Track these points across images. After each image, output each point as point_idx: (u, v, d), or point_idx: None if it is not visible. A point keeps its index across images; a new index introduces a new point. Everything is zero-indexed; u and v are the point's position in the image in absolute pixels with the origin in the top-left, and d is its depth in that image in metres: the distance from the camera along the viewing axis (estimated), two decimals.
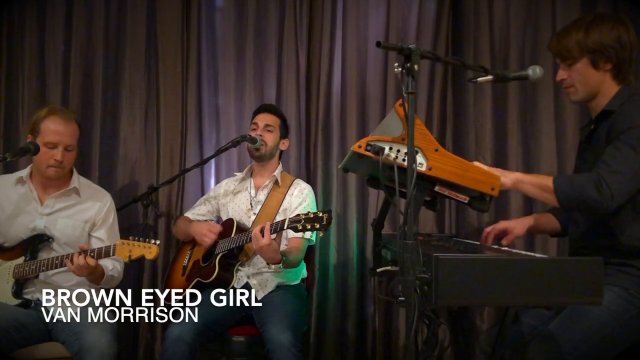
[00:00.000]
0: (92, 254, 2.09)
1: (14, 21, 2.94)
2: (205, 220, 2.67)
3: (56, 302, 2.20)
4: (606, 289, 1.46)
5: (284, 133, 2.65)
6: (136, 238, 2.09)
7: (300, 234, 2.27)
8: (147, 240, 2.08)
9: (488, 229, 2.07)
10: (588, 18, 1.80)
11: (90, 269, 2.08)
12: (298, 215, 2.12)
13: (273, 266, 2.29)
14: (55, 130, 2.19)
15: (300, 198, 2.54)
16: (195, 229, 2.53)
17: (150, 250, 2.07)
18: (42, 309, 2.19)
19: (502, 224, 2.06)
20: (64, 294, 2.24)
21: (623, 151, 1.65)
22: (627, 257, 1.73)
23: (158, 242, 2.09)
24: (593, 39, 1.74)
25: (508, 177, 1.71)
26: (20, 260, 2.23)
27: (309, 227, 2.08)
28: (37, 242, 2.24)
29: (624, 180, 1.63)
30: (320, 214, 2.08)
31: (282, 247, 2.48)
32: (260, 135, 2.54)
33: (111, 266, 2.28)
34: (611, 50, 1.73)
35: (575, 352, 1.65)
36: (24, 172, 2.32)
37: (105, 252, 2.09)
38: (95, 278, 2.19)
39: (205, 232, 2.46)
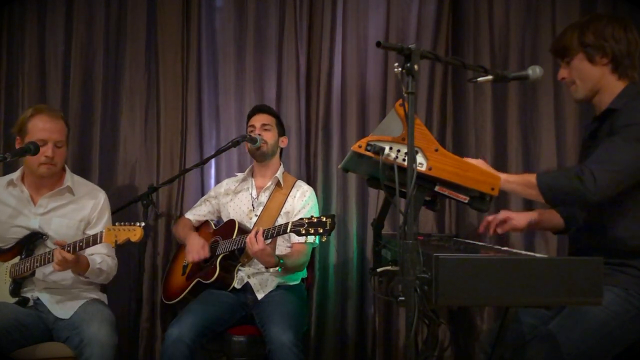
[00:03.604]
0: (81, 244, 2.09)
1: (14, 21, 2.95)
2: (206, 221, 2.67)
3: (56, 301, 2.21)
4: (606, 290, 1.46)
5: (282, 131, 2.66)
6: (122, 223, 2.09)
7: (303, 238, 2.27)
8: (132, 223, 2.08)
9: (489, 218, 2.06)
10: (585, 18, 1.85)
11: (69, 263, 2.07)
12: (301, 219, 2.13)
13: (271, 269, 2.29)
14: (43, 127, 2.19)
15: (302, 201, 2.53)
16: (189, 240, 2.51)
17: (134, 232, 2.06)
18: (42, 308, 2.19)
19: (503, 214, 2.06)
20: (63, 293, 2.25)
21: (617, 144, 1.66)
22: (627, 257, 1.73)
23: (142, 224, 2.08)
24: (588, 34, 1.77)
25: None
26: (16, 259, 2.23)
27: (312, 231, 2.09)
28: (32, 241, 2.24)
29: (611, 170, 1.63)
30: (324, 219, 2.08)
31: (285, 251, 2.48)
32: (260, 135, 2.55)
33: (100, 260, 2.27)
34: (605, 44, 1.75)
35: (575, 352, 1.65)
36: (14, 175, 2.32)
37: (93, 240, 2.09)
38: (79, 269, 2.18)
39: (193, 251, 2.43)
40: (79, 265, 2.15)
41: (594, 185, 1.61)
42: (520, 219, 2.03)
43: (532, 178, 1.71)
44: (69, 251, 2.08)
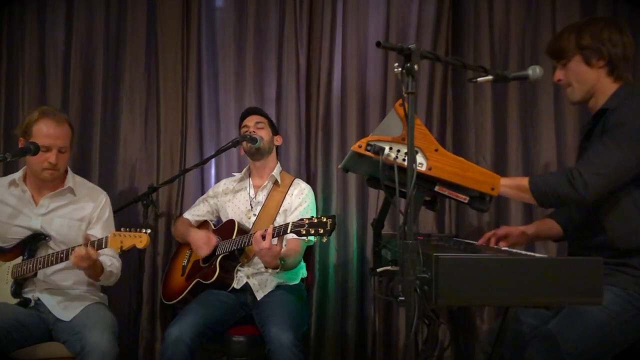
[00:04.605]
0: (92, 246, 2.08)
1: (14, 21, 2.94)
2: (205, 221, 2.67)
3: (57, 302, 2.20)
4: (605, 289, 1.46)
5: (274, 130, 2.67)
6: (127, 229, 2.08)
7: (303, 238, 2.27)
8: (137, 230, 2.07)
9: (489, 234, 2.07)
10: (581, 21, 1.88)
11: (91, 261, 2.06)
12: (302, 219, 2.12)
13: (270, 270, 2.28)
14: (47, 133, 2.19)
15: (300, 199, 2.53)
16: (193, 237, 2.52)
17: (140, 239, 2.06)
18: (43, 309, 2.19)
19: (503, 230, 2.07)
20: (64, 293, 2.25)
21: (608, 145, 1.67)
22: (626, 257, 1.73)
23: (149, 231, 2.08)
24: (585, 37, 1.79)
25: None
26: (19, 260, 2.23)
27: (312, 232, 2.08)
28: (34, 241, 2.24)
29: (601, 173, 1.65)
30: (324, 219, 2.07)
31: (283, 249, 2.48)
32: (254, 132, 2.55)
33: (109, 262, 2.27)
34: (602, 47, 1.77)
35: (574, 352, 1.65)
36: (16, 175, 2.32)
37: (98, 244, 2.08)
38: (94, 273, 2.17)
39: (201, 244, 2.45)
40: (96, 268, 2.15)
41: (584, 189, 1.63)
42: (519, 234, 2.05)
43: (524, 182, 1.73)
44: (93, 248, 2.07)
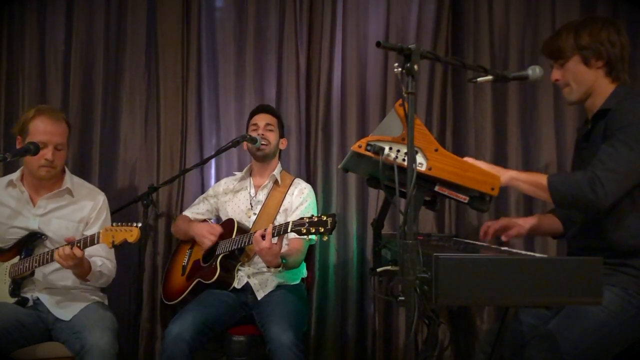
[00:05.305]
0: (78, 244, 2.06)
1: (14, 21, 2.94)
2: (204, 220, 2.67)
3: (56, 302, 2.20)
4: (605, 289, 1.46)
5: (282, 132, 2.67)
6: (119, 224, 2.08)
7: (304, 237, 2.27)
8: (129, 224, 2.07)
9: (489, 223, 2.07)
10: (579, 20, 1.87)
11: (76, 259, 2.05)
12: (302, 218, 2.11)
13: (273, 269, 2.28)
14: (44, 130, 2.19)
15: (301, 198, 2.54)
16: (195, 229, 2.53)
17: (131, 232, 2.05)
18: (42, 308, 2.19)
19: (504, 221, 2.06)
20: (63, 293, 2.25)
21: (618, 149, 1.66)
22: (626, 257, 1.73)
23: (140, 224, 2.07)
24: (583, 37, 1.78)
25: (503, 175, 1.73)
26: (16, 259, 2.23)
27: (313, 230, 2.07)
28: (31, 240, 2.24)
29: (619, 179, 1.64)
30: (325, 218, 2.07)
31: (284, 248, 2.48)
32: (262, 135, 2.55)
33: (100, 262, 2.26)
34: (601, 48, 1.76)
35: (574, 352, 1.66)
36: (14, 175, 2.32)
37: (91, 241, 2.07)
38: (82, 272, 2.16)
39: (205, 233, 2.46)
40: (82, 267, 2.14)
41: (605, 197, 1.62)
42: (521, 225, 2.04)
43: (542, 180, 1.71)
44: (79, 247, 2.06)
